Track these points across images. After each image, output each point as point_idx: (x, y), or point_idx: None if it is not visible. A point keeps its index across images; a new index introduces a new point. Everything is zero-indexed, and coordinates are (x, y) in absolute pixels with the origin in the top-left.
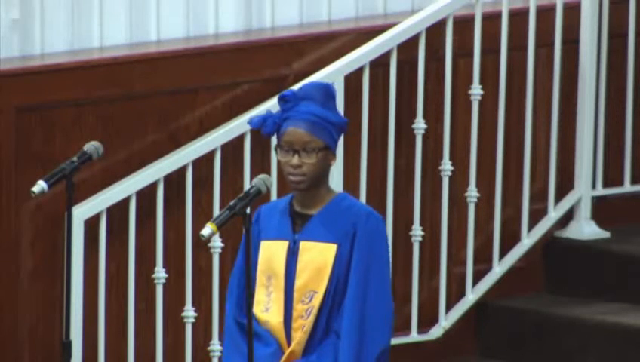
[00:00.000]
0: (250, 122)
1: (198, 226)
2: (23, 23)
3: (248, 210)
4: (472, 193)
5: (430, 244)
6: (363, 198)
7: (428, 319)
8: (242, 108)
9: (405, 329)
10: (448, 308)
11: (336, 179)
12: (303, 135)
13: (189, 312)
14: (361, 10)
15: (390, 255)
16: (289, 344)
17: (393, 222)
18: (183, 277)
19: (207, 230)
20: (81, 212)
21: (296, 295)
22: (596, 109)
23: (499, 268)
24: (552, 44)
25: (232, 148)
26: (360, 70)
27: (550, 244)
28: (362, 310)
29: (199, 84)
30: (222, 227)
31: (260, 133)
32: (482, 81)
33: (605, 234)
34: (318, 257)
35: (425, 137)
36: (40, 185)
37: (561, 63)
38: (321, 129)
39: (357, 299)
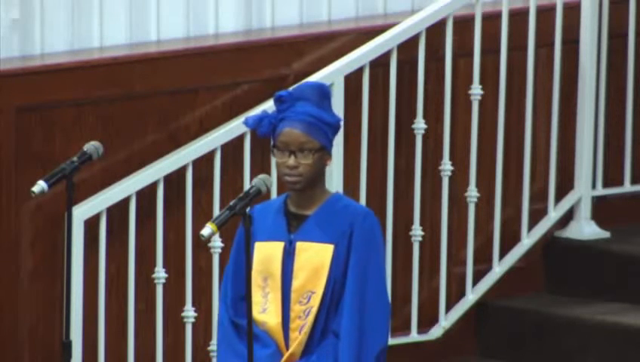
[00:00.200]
0: (246, 122)
1: (198, 226)
2: (23, 23)
3: (248, 210)
4: (472, 193)
5: (430, 244)
6: (363, 198)
7: (428, 319)
8: (242, 108)
9: (405, 329)
10: (448, 308)
11: (336, 180)
12: (299, 136)
13: (189, 312)
14: (361, 10)
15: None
16: (287, 345)
17: (393, 222)
18: (183, 277)
19: (207, 230)
20: (81, 212)
21: (293, 295)
22: (596, 109)
23: (499, 268)
24: (552, 44)
25: (232, 148)
26: (360, 70)
27: (550, 244)
28: (361, 309)
29: (199, 84)
30: (222, 227)
31: (256, 133)
32: (482, 81)
33: (605, 234)
34: (315, 257)
35: (425, 137)
36: (40, 185)
37: (561, 63)
38: (317, 130)
39: (356, 298)
